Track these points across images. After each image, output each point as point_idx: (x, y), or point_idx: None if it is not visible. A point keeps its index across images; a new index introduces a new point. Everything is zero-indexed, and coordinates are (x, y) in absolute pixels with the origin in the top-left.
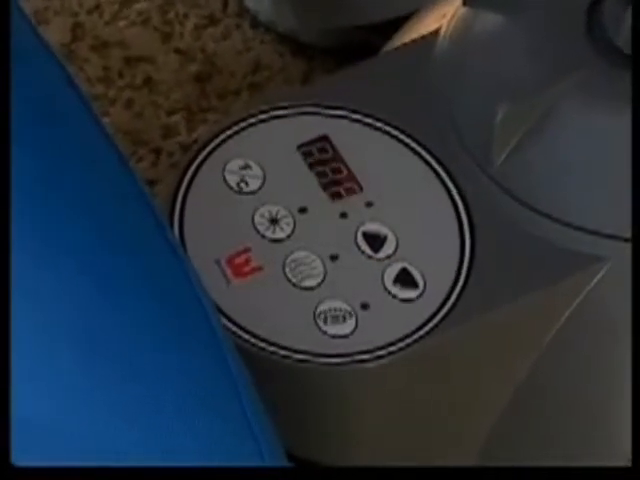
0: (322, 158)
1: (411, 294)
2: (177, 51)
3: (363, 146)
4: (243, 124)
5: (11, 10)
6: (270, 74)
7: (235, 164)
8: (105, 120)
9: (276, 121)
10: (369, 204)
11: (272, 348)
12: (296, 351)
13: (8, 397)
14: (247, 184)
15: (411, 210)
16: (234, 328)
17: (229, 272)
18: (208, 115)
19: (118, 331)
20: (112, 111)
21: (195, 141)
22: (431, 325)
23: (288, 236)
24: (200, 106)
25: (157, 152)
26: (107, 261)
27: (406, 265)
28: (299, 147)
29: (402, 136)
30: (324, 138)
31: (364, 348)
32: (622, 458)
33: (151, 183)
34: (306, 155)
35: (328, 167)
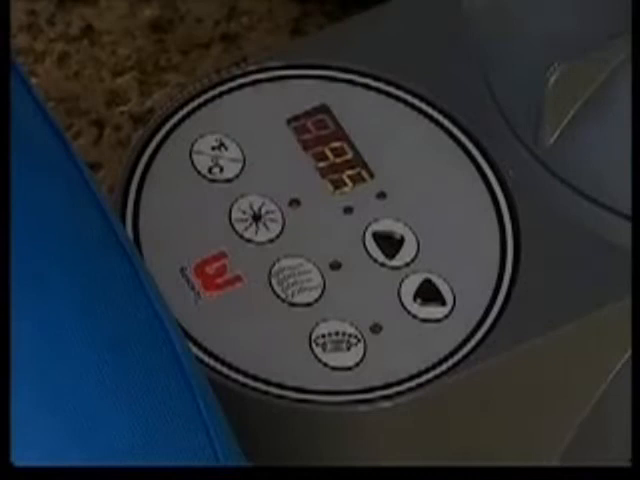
0: (320, 135)
1: (436, 313)
2: None
3: (374, 120)
4: (216, 90)
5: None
6: (250, 21)
7: (206, 143)
8: (31, 82)
9: (259, 86)
10: (381, 195)
11: (255, 383)
12: (287, 388)
13: (8, 398)
14: (222, 169)
15: (436, 203)
16: (205, 357)
17: (198, 284)
18: (168, 76)
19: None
20: (40, 70)
21: (151, 111)
22: (462, 354)
23: (276, 237)
24: (157, 64)
25: (100, 125)
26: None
27: (430, 276)
28: (290, 121)
29: (425, 107)
30: (323, 109)
31: (374, 384)
32: None
33: (92, 167)
34: (299, 131)
35: (328, 147)
